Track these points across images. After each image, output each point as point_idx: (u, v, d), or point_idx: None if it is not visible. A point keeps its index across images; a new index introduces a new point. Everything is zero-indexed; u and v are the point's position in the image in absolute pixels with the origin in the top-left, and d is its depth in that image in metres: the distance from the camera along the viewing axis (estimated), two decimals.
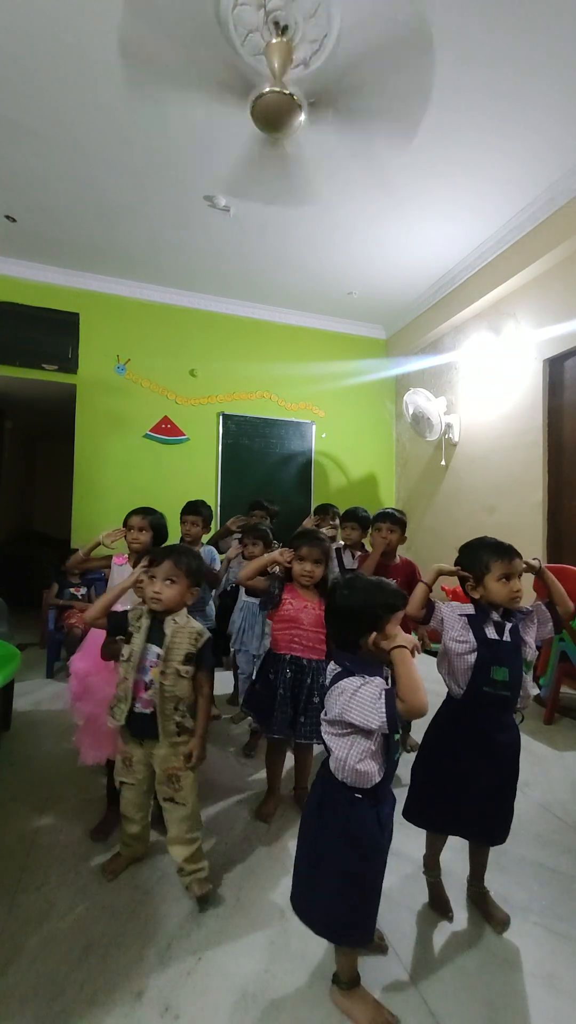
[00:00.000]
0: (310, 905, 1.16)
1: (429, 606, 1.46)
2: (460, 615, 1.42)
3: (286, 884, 1.47)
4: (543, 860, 1.62)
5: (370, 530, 2.84)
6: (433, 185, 3.10)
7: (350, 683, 1.10)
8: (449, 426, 4.37)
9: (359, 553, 2.89)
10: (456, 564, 1.49)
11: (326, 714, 1.15)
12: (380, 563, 2.39)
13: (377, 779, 1.11)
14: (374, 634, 1.12)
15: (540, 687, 2.80)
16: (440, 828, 1.44)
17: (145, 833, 1.55)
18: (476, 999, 1.15)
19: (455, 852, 1.47)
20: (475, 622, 1.39)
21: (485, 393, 4.08)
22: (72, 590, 3.49)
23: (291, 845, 1.66)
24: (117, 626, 1.50)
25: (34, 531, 7.29)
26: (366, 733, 1.09)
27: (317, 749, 2.03)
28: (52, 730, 2.48)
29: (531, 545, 3.56)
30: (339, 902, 1.11)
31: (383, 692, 1.06)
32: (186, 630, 1.47)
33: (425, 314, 4.66)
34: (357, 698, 1.07)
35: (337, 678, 1.15)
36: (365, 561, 2.53)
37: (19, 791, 1.96)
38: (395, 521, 2.43)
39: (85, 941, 1.28)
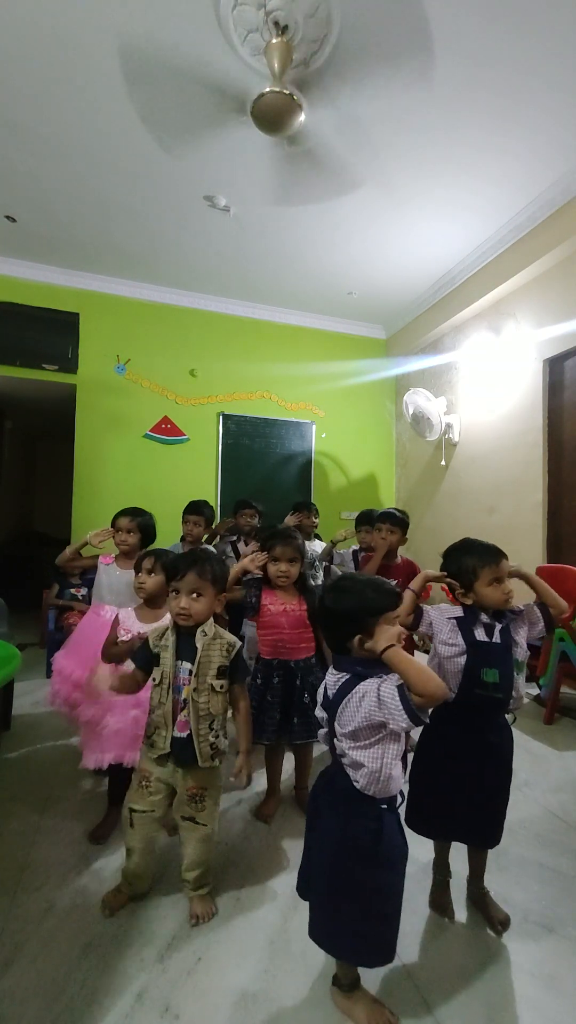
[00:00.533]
0: (336, 934, 1.10)
1: (417, 611, 1.45)
2: (448, 618, 1.40)
3: (286, 884, 1.48)
4: (543, 860, 1.62)
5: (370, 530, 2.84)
6: (433, 185, 3.10)
7: (368, 687, 1.05)
8: (449, 426, 4.37)
9: (363, 554, 2.89)
10: (442, 570, 1.47)
11: (344, 728, 1.08)
12: (381, 564, 2.40)
13: (403, 782, 1.09)
14: (358, 637, 1.09)
15: (540, 687, 2.80)
16: (443, 835, 1.43)
17: (149, 869, 1.44)
18: (476, 999, 1.15)
19: (455, 851, 1.47)
20: (464, 624, 1.37)
21: (485, 393, 4.08)
22: (72, 590, 3.48)
23: (291, 845, 1.66)
24: (143, 659, 1.39)
25: (34, 531, 7.30)
26: (395, 735, 1.05)
27: (317, 749, 2.03)
28: (52, 730, 2.48)
29: (531, 545, 3.56)
30: (371, 923, 1.06)
31: (398, 688, 1.01)
32: (218, 642, 1.38)
33: (425, 314, 4.66)
34: (383, 699, 1.02)
35: (349, 685, 1.08)
36: (367, 563, 2.53)
37: (19, 791, 1.96)
38: (395, 521, 2.43)
39: (85, 941, 1.28)
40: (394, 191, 3.16)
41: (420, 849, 1.56)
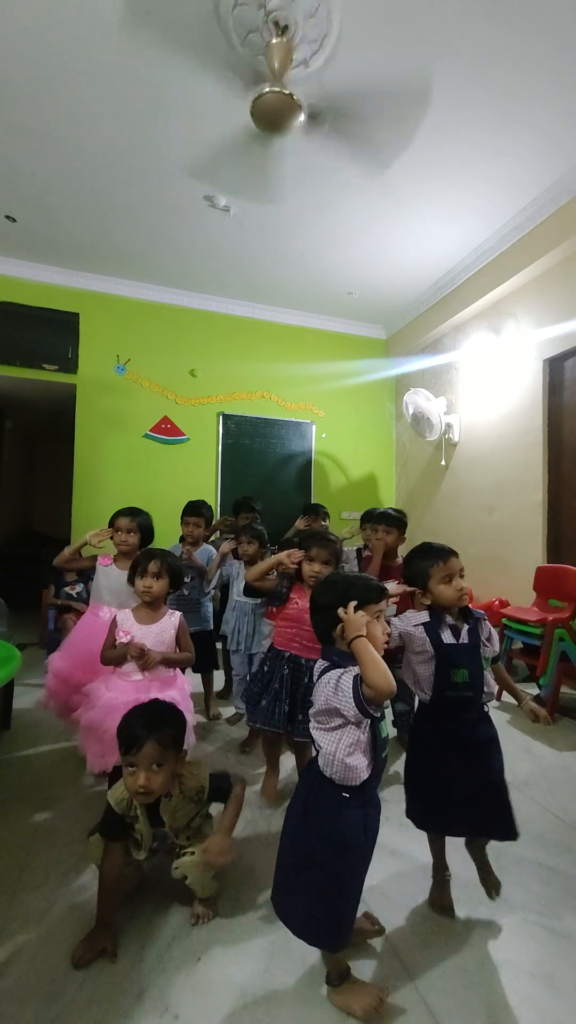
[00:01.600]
0: (291, 907, 1.16)
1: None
2: (415, 625, 1.41)
3: None
4: (543, 860, 1.62)
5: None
6: (433, 185, 3.10)
7: (333, 674, 1.15)
8: (449, 426, 4.37)
9: (366, 555, 2.90)
10: (405, 580, 1.50)
11: (312, 709, 1.18)
12: (381, 564, 2.39)
13: (365, 775, 1.12)
14: (339, 627, 1.16)
15: (540, 687, 2.80)
16: (440, 829, 1.44)
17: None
18: (476, 999, 1.15)
19: (454, 848, 1.47)
20: (431, 629, 1.39)
21: (485, 393, 4.08)
22: (68, 588, 3.49)
23: None
24: (115, 830, 1.30)
25: (34, 531, 7.30)
26: (356, 723, 1.12)
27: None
28: (52, 730, 2.48)
29: (531, 545, 3.56)
30: (320, 905, 1.11)
31: (354, 679, 1.09)
32: (184, 803, 1.32)
33: (425, 314, 4.66)
34: (340, 687, 1.11)
35: (323, 672, 1.19)
36: (368, 565, 2.53)
37: (19, 791, 1.96)
38: (391, 522, 2.43)
39: None
40: (394, 191, 3.16)
41: (419, 848, 1.56)
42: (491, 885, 1.45)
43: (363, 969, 1.21)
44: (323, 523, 3.23)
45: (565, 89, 2.42)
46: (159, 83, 2.41)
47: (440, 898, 1.43)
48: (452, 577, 1.40)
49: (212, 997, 1.14)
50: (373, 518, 2.58)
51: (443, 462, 4.54)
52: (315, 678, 1.22)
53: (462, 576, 1.42)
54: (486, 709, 1.42)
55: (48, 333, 4.22)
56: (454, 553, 1.43)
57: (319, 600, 1.24)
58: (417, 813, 1.43)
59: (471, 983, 1.19)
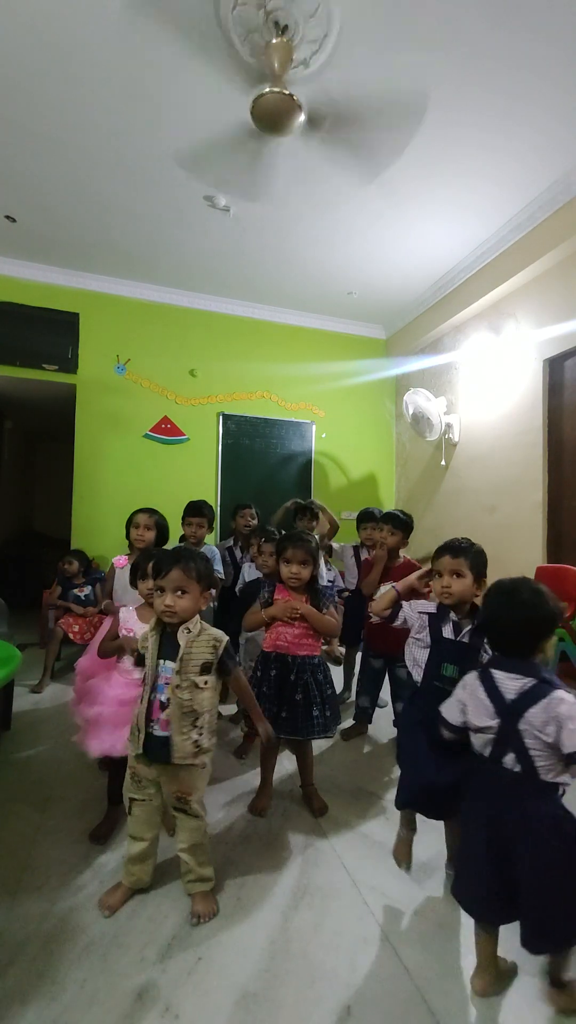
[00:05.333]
0: (563, 926, 1.09)
1: (396, 607, 1.59)
2: (420, 613, 1.52)
3: (286, 884, 1.48)
4: None
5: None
6: (433, 185, 3.10)
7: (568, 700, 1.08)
8: (449, 426, 4.37)
9: (365, 557, 2.90)
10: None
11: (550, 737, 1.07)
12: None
13: None
14: (548, 640, 1.18)
15: None
16: (411, 803, 1.52)
17: (152, 857, 1.45)
18: (476, 999, 1.15)
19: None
20: (433, 621, 1.49)
21: (485, 393, 4.08)
22: (76, 591, 3.48)
23: (291, 843, 1.66)
24: (139, 659, 1.45)
25: (34, 531, 7.30)
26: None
27: (317, 747, 2.04)
28: (52, 730, 2.48)
29: (531, 545, 3.56)
30: None
31: None
32: (202, 638, 1.39)
33: (425, 314, 4.66)
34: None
35: (540, 693, 1.09)
36: (369, 567, 2.53)
37: (19, 791, 1.96)
38: (397, 523, 2.44)
39: (85, 941, 1.28)
40: (394, 191, 3.16)
41: (418, 847, 1.57)
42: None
43: (363, 968, 1.21)
44: (313, 524, 3.25)
45: (565, 89, 2.42)
46: (159, 83, 2.41)
47: (398, 851, 1.57)
48: (441, 573, 1.48)
49: (212, 997, 1.14)
50: (380, 519, 2.59)
51: (443, 462, 4.54)
52: (506, 697, 1.13)
53: (455, 575, 1.45)
54: None
55: (48, 333, 4.22)
56: (450, 551, 1.49)
57: (535, 613, 1.15)
58: (402, 786, 1.52)
59: (471, 984, 1.19)
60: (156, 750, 1.35)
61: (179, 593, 1.37)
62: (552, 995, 1.15)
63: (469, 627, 1.43)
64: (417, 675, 1.50)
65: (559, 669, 2.73)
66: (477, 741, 1.20)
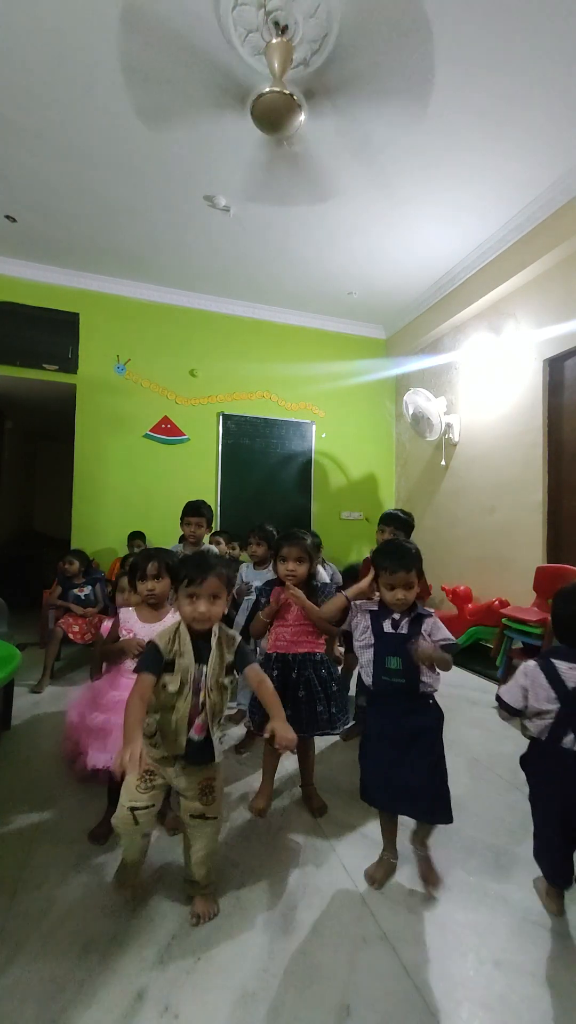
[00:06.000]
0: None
1: (347, 610, 1.64)
2: (365, 611, 1.57)
3: (286, 884, 1.48)
4: None
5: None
6: (433, 185, 3.11)
7: None
8: (449, 426, 4.37)
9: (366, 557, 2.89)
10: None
11: None
12: None
13: None
14: None
15: None
16: (383, 804, 1.52)
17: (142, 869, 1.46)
18: (476, 999, 1.15)
19: (455, 839, 1.47)
20: (375, 617, 1.55)
21: (485, 393, 4.08)
22: (76, 591, 3.48)
23: (291, 843, 1.66)
24: (155, 664, 1.32)
25: (34, 531, 7.30)
26: None
27: (316, 746, 2.03)
28: (52, 730, 2.48)
29: (531, 545, 3.56)
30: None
31: None
32: (224, 640, 1.39)
33: (425, 314, 4.67)
34: None
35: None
36: (368, 567, 2.53)
37: (19, 791, 1.96)
38: (399, 524, 2.45)
39: (85, 940, 1.27)
40: (394, 191, 3.16)
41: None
42: (431, 881, 1.47)
43: (363, 968, 1.21)
44: (232, 545, 3.18)
45: (564, 91, 2.42)
46: (159, 82, 2.41)
47: (374, 872, 1.50)
48: (393, 587, 1.51)
49: (212, 997, 1.14)
50: (380, 519, 2.61)
51: (443, 462, 4.54)
52: (568, 685, 1.31)
53: (408, 588, 1.50)
54: (431, 700, 1.51)
55: (48, 333, 4.23)
56: (405, 567, 1.50)
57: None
58: (364, 788, 1.53)
59: (471, 984, 1.19)
60: (193, 753, 1.34)
61: (212, 598, 1.35)
62: None
63: (408, 619, 1.51)
64: (367, 677, 1.54)
65: None
66: (534, 726, 1.37)
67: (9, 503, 6.67)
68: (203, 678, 1.34)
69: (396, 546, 1.57)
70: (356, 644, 1.58)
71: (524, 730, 1.44)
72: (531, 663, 1.39)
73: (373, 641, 1.52)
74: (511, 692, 1.41)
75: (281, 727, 1.33)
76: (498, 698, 1.45)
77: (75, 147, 2.87)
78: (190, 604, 1.33)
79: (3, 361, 4.11)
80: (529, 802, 1.46)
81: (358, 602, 1.64)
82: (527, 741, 1.45)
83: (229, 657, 1.38)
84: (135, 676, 1.75)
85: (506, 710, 1.43)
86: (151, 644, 1.36)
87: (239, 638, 1.43)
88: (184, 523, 2.80)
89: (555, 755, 1.33)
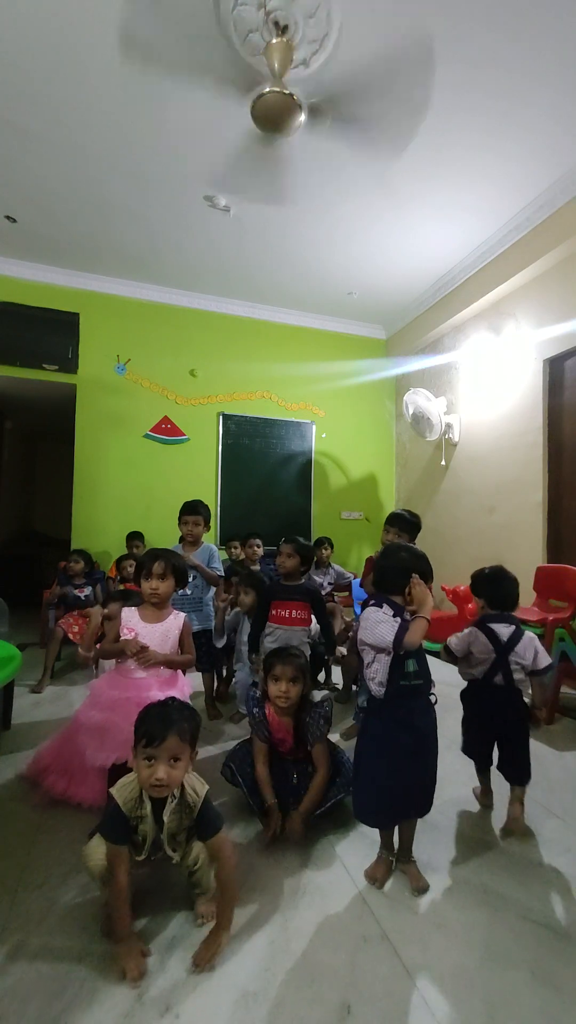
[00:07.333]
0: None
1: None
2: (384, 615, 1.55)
3: (286, 884, 1.48)
4: (544, 860, 1.62)
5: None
6: (433, 186, 3.11)
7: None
8: (449, 426, 4.37)
9: (368, 557, 2.90)
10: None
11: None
12: None
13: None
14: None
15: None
16: (383, 825, 1.54)
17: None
18: (476, 999, 1.15)
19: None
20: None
21: (485, 393, 4.08)
22: (76, 591, 3.48)
23: (292, 844, 1.66)
24: (121, 832, 1.24)
25: (34, 531, 7.30)
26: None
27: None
28: (52, 730, 2.47)
29: (531, 545, 3.56)
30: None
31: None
32: (184, 800, 1.27)
33: (425, 314, 4.67)
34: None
35: (522, 633, 1.77)
36: (371, 565, 2.53)
37: (19, 791, 1.96)
38: (403, 525, 2.44)
39: (85, 940, 1.27)
40: (394, 192, 3.16)
41: (417, 847, 1.56)
42: (420, 887, 1.47)
43: (362, 968, 1.21)
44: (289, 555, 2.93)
45: (564, 91, 2.42)
46: (159, 82, 2.42)
47: (374, 871, 1.51)
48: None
49: (212, 997, 1.14)
50: (386, 520, 2.61)
51: (443, 462, 4.54)
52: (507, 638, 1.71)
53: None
54: (434, 699, 1.55)
55: (48, 333, 4.23)
56: (417, 575, 1.54)
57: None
58: (361, 810, 1.54)
59: (471, 983, 1.19)
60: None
61: (172, 761, 1.22)
62: None
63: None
64: (377, 688, 1.47)
65: (559, 669, 2.73)
66: (476, 670, 1.81)
67: (9, 503, 6.67)
68: (163, 841, 1.27)
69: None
70: (375, 663, 1.48)
71: (465, 674, 1.86)
72: (474, 628, 1.82)
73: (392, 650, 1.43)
74: (460, 645, 1.83)
75: (221, 938, 1.23)
76: (445, 647, 1.86)
77: (75, 148, 2.87)
78: (147, 768, 1.20)
79: (3, 361, 4.11)
80: (461, 724, 1.89)
81: (371, 610, 1.52)
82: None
83: (190, 821, 1.27)
84: (132, 673, 1.74)
85: (450, 656, 1.86)
86: (113, 809, 1.23)
87: (205, 792, 1.29)
88: (182, 522, 2.80)
89: (487, 687, 1.79)
